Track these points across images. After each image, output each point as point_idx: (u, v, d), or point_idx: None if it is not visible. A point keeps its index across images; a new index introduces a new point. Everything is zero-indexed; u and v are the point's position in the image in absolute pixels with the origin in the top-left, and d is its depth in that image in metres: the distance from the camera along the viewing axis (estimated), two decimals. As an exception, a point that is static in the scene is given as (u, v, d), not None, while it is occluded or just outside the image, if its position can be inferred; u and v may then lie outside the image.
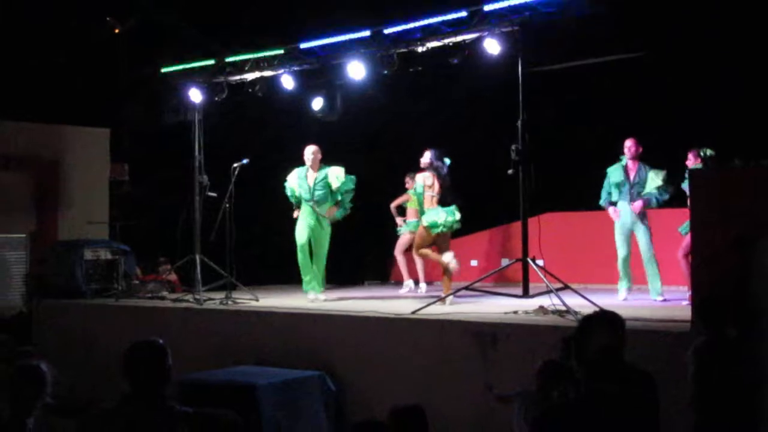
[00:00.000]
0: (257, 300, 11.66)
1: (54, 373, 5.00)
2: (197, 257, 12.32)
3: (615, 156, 11.23)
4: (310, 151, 11.92)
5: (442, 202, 10.96)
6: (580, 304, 8.99)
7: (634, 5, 10.51)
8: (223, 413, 4.62)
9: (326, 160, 12.25)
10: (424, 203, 11.03)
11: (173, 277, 14.18)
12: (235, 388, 8.68)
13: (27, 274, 15.45)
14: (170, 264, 14.15)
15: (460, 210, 10.96)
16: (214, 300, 11.65)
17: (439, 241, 10.96)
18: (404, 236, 13.24)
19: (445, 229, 10.86)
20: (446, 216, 10.83)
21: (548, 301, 9.15)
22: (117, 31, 16.92)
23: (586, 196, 12.92)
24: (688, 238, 9.83)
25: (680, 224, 10.37)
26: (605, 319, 5.21)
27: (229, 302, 11.48)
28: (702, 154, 9.73)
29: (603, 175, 11.33)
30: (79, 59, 17.18)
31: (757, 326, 6.53)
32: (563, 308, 8.79)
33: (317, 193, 11.80)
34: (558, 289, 9.22)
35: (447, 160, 11.15)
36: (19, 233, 15.80)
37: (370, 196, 13.61)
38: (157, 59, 13.46)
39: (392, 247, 13.64)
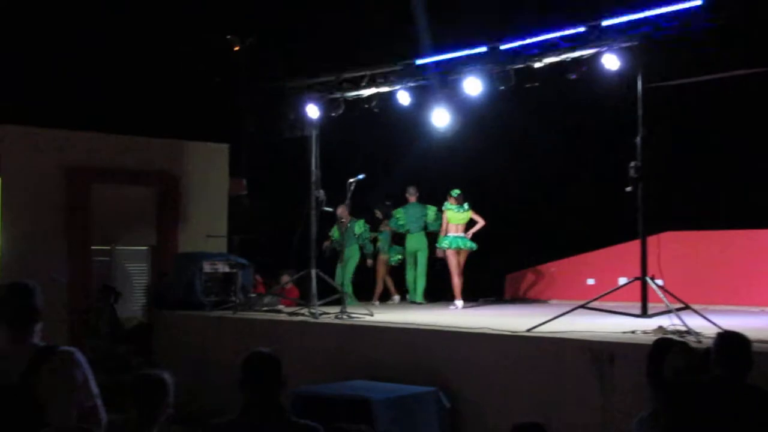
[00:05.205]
0: (372, 315, 11.69)
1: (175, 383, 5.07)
2: (313, 271, 12.42)
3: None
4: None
5: None
6: (701, 325, 8.75)
7: (759, 17, 10.21)
8: (356, 428, 4.48)
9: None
10: None
11: (290, 288, 14.36)
12: (350, 402, 8.71)
13: (148, 285, 15.83)
14: (289, 277, 14.30)
15: None
16: (329, 314, 11.74)
17: None
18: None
19: None
20: None
21: (668, 322, 8.94)
22: (236, 48, 17.24)
23: (707, 215, 12.63)
24: None
25: None
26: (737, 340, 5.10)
27: (344, 316, 11.54)
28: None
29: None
30: (200, 76, 17.56)
31: None
32: (683, 329, 8.58)
33: None
34: (678, 310, 9.01)
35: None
36: (141, 246, 16.23)
37: (483, 213, 13.56)
38: (275, 76, 13.66)
39: (507, 264, 13.64)
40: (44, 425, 3.84)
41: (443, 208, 13.60)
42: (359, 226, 14.64)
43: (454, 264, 13.38)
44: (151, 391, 4.97)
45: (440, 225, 13.85)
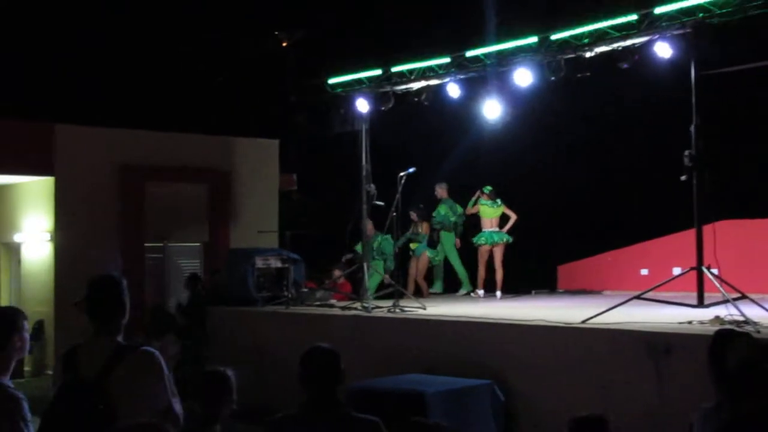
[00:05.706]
0: (425, 308, 11.64)
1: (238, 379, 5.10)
2: (365, 265, 12.42)
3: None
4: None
5: None
6: (758, 314, 8.62)
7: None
8: (434, 424, 4.33)
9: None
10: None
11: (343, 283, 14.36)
12: (403, 396, 8.68)
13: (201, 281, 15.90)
14: (340, 271, 14.29)
15: None
16: (382, 308, 11.73)
17: None
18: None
19: None
20: None
21: (724, 312, 8.81)
22: (285, 44, 17.29)
23: (763, 203, 12.46)
24: None
25: None
26: None
27: (397, 310, 11.52)
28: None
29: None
30: (249, 73, 17.65)
31: None
32: (741, 318, 8.45)
33: None
34: (735, 299, 8.88)
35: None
36: (194, 242, 16.35)
37: (535, 204, 13.49)
38: (324, 71, 13.69)
39: (560, 255, 13.55)
40: (116, 420, 3.87)
41: (479, 203, 13.88)
42: (378, 241, 14.48)
43: (485, 260, 13.87)
44: (216, 387, 5.01)
45: (461, 223, 14.43)
